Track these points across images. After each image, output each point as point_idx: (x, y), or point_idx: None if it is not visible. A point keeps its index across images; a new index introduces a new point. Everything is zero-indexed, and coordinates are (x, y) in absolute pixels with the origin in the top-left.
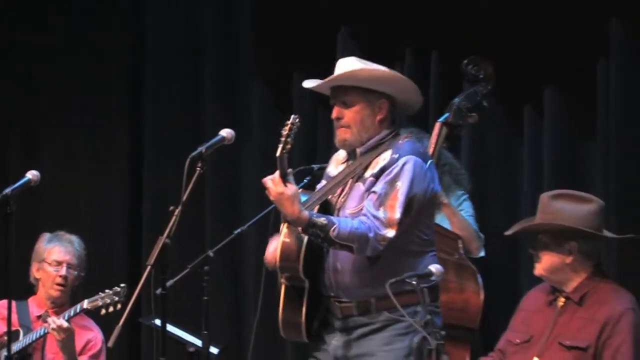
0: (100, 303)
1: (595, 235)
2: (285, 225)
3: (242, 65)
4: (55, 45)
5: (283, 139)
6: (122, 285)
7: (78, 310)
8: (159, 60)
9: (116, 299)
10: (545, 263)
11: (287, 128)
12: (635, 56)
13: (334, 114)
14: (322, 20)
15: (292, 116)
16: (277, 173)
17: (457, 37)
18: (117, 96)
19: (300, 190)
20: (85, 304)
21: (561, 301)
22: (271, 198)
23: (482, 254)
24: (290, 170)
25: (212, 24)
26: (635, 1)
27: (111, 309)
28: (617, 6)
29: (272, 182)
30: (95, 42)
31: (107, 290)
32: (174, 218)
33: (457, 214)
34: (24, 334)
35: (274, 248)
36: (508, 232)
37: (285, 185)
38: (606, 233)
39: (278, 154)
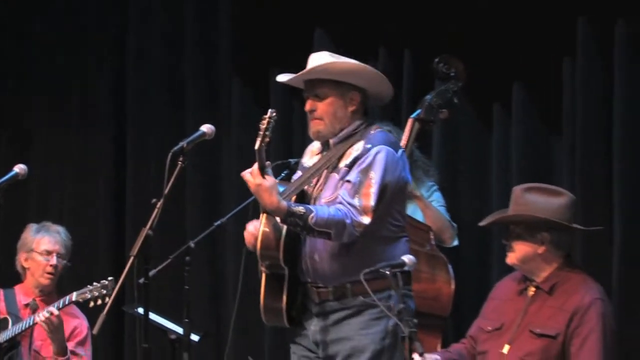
0: (88, 296)
1: (566, 226)
2: (265, 215)
3: (222, 65)
4: (41, 45)
5: (261, 132)
6: (109, 278)
7: (67, 302)
8: (142, 59)
9: (104, 292)
10: (518, 253)
11: (264, 122)
12: (600, 55)
13: (307, 107)
14: (298, 20)
15: (270, 110)
16: (255, 166)
17: (429, 36)
18: (103, 94)
19: (278, 181)
20: (74, 296)
21: (532, 290)
22: (250, 189)
23: (456, 242)
24: (268, 162)
25: (192, 26)
26: (601, 1)
27: (99, 302)
28: (583, 6)
29: (251, 175)
30: (81, 44)
31: (95, 284)
32: (156, 210)
33: (429, 206)
34: (13, 323)
35: (253, 235)
36: (482, 223)
37: (264, 177)
38: (576, 225)
39: (257, 147)
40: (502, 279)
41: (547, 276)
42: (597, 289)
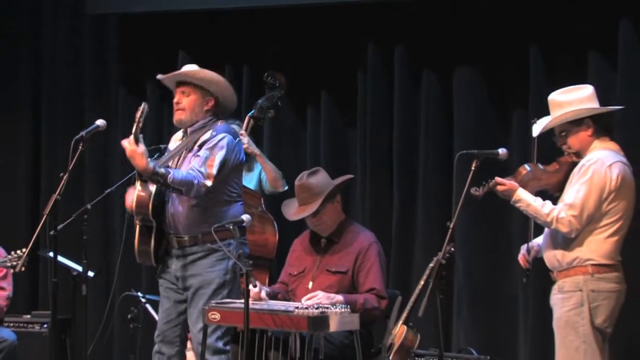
0: (8, 264)
1: (335, 194)
2: (139, 182)
3: (113, 74)
4: None
5: (137, 115)
6: (23, 250)
7: None
8: (55, 68)
9: (20, 262)
10: (328, 216)
11: (139, 111)
12: (383, 70)
13: (176, 99)
14: (164, 43)
15: (143, 103)
16: (131, 137)
17: (260, 54)
18: (23, 105)
19: (151, 160)
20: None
21: (323, 242)
22: (127, 154)
23: (286, 188)
24: (141, 136)
25: (89, 46)
26: (384, 31)
27: (15, 270)
28: (371, 34)
29: (128, 142)
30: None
31: (13, 254)
32: (63, 181)
33: (267, 161)
34: None
35: (131, 198)
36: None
37: (137, 145)
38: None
39: (134, 129)
40: (298, 237)
41: (334, 230)
42: (371, 235)
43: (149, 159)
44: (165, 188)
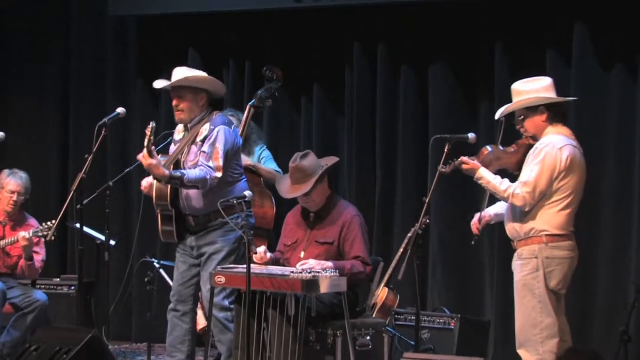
0: (40, 234)
1: (325, 174)
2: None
3: (131, 68)
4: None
5: (147, 134)
6: (53, 221)
7: (30, 234)
8: (81, 63)
9: (50, 232)
10: (318, 195)
11: (149, 129)
12: (367, 67)
13: (174, 103)
14: (177, 42)
15: (151, 123)
16: (145, 151)
17: (260, 52)
18: (54, 96)
19: (160, 155)
20: (31, 232)
21: (312, 216)
22: (145, 167)
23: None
24: (153, 148)
25: (111, 44)
26: (369, 30)
27: (46, 239)
28: (357, 33)
29: (143, 157)
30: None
31: (44, 225)
32: (88, 162)
33: (262, 168)
34: None
35: (147, 182)
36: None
37: (152, 158)
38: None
39: (145, 143)
40: (290, 212)
41: (322, 206)
42: (354, 209)
43: (164, 168)
44: (184, 187)
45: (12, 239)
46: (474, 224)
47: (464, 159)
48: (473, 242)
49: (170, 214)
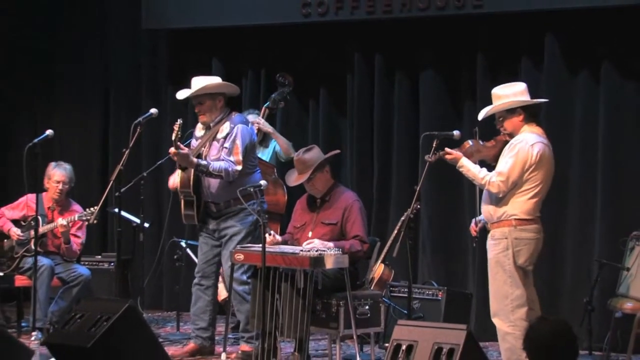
0: (84, 218)
1: (324, 165)
2: (180, 169)
3: (163, 74)
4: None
5: (175, 129)
6: (95, 207)
7: (76, 219)
8: (119, 69)
9: (92, 216)
10: (319, 182)
11: (176, 125)
12: (367, 74)
13: (196, 109)
14: (202, 52)
15: (178, 119)
16: (174, 146)
17: (274, 60)
18: (96, 98)
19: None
20: (76, 217)
21: (318, 202)
22: (176, 159)
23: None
24: (179, 142)
25: (145, 53)
26: (367, 42)
27: (89, 222)
28: (357, 44)
29: (173, 150)
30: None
31: (87, 210)
32: (125, 155)
33: (279, 136)
34: (43, 222)
35: (173, 180)
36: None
37: (180, 149)
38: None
39: (173, 137)
40: (299, 199)
41: (326, 192)
42: (354, 194)
43: (192, 157)
44: (207, 176)
45: (53, 224)
46: (472, 227)
47: (448, 149)
48: (474, 244)
49: (192, 200)
